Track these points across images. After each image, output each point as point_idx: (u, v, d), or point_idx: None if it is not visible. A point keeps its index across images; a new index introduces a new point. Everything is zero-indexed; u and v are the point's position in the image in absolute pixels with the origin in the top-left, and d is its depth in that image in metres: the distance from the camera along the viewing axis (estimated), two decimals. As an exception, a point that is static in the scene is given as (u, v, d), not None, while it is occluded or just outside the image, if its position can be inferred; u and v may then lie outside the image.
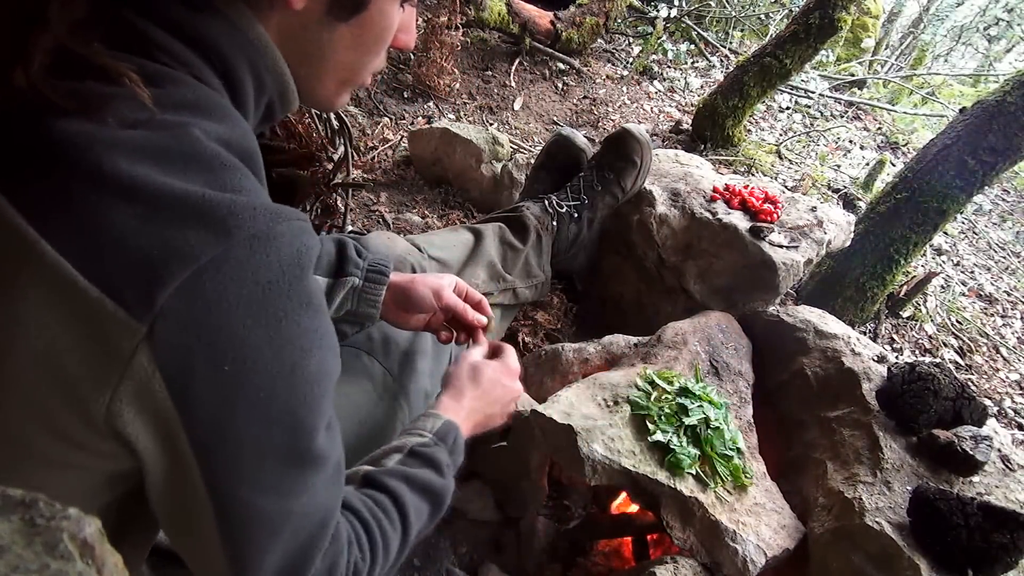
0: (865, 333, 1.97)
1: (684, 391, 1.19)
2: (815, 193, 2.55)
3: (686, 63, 3.20)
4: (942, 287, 2.39)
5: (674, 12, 3.21)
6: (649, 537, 1.23)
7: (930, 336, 2.12)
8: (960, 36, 5.80)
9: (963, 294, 2.44)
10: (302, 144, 1.79)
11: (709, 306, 1.52)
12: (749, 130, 2.83)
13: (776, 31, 3.01)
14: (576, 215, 1.55)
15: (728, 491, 1.11)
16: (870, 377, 1.31)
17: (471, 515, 1.24)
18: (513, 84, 2.63)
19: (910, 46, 5.55)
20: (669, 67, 3.15)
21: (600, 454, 1.06)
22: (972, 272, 2.61)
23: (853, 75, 3.77)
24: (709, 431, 1.14)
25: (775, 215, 1.57)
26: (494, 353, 0.97)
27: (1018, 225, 3.16)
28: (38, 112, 0.44)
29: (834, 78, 3.58)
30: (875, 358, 1.36)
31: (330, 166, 1.87)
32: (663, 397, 1.18)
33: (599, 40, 3.02)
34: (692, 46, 3.26)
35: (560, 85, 2.76)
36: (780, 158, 2.73)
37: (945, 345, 2.12)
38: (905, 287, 2.07)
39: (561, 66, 2.82)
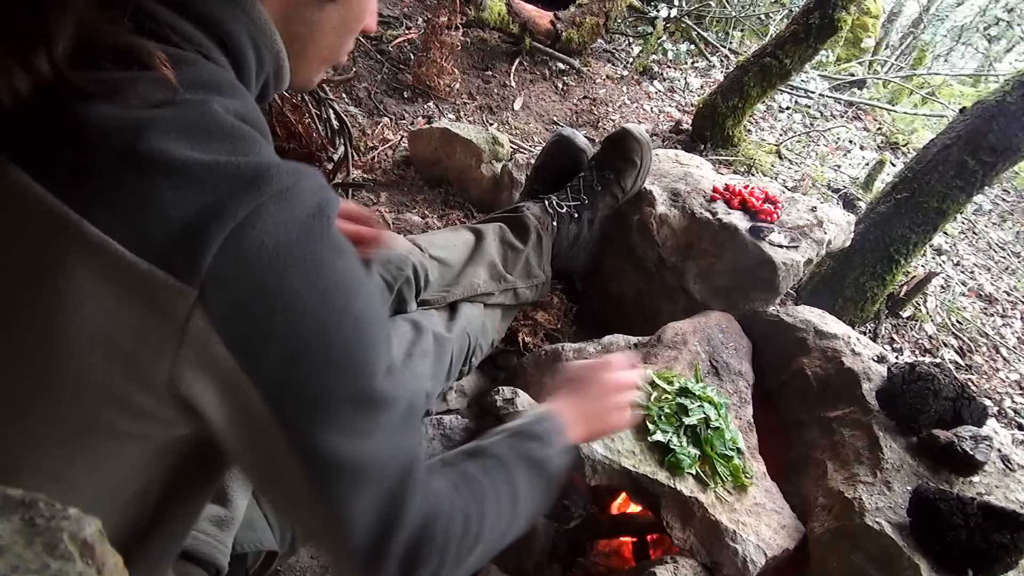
0: (865, 333, 1.97)
1: (684, 391, 1.19)
2: (815, 193, 2.55)
3: (686, 63, 3.20)
4: (942, 287, 2.39)
5: (674, 12, 3.21)
6: (649, 537, 1.23)
7: (930, 336, 2.12)
8: (960, 36, 5.80)
9: (963, 294, 2.44)
10: (302, 144, 1.79)
11: (709, 306, 1.52)
12: (749, 130, 2.83)
13: (776, 31, 3.01)
14: (576, 215, 1.55)
15: (728, 491, 1.12)
16: (870, 377, 1.31)
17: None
18: (513, 84, 2.63)
19: (910, 46, 5.54)
20: (669, 67, 3.15)
21: (600, 454, 1.06)
22: (972, 272, 2.61)
23: (853, 75, 3.77)
24: (709, 431, 1.14)
25: (775, 215, 1.57)
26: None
27: (1018, 225, 3.16)
28: (63, 99, 0.46)
29: (834, 78, 3.58)
30: (875, 358, 1.37)
31: (330, 166, 1.87)
32: (663, 397, 1.18)
33: (599, 40, 3.02)
34: (692, 46, 3.26)
35: (560, 85, 2.76)
36: (780, 158, 2.73)
37: (945, 345, 2.12)
38: (905, 287, 2.07)
39: (561, 66, 2.82)
